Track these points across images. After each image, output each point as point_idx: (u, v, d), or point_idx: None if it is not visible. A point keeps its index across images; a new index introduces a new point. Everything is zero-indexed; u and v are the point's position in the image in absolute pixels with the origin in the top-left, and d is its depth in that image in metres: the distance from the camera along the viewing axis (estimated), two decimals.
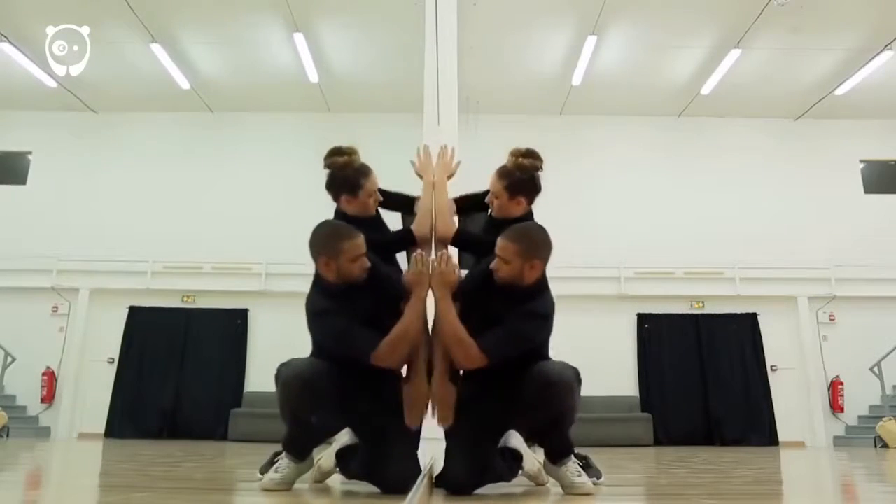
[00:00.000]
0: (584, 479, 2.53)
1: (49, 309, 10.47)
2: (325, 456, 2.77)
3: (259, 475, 2.79)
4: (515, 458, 2.76)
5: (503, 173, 2.85)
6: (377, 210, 2.98)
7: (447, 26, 6.29)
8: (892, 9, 8.49)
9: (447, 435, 2.60)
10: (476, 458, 2.52)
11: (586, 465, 2.85)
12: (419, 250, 2.69)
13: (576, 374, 2.47)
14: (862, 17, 8.76)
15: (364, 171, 2.86)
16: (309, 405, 2.41)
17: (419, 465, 2.49)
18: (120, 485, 2.97)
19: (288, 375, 2.39)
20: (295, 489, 2.56)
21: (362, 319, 2.46)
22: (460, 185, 3.23)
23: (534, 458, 2.84)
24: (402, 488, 2.28)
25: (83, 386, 10.20)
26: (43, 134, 11.19)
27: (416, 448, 2.57)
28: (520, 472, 2.78)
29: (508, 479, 2.73)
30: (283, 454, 2.55)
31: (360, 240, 2.49)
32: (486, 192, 2.95)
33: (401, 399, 2.58)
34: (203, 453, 5.68)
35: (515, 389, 2.53)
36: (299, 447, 2.55)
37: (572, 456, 2.59)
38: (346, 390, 2.50)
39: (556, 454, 2.59)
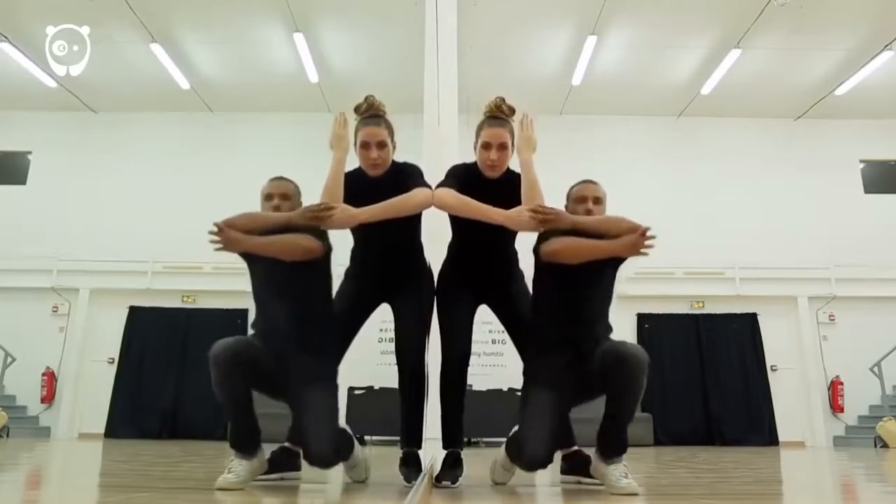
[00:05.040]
0: (629, 481, 2.52)
1: (49, 309, 10.47)
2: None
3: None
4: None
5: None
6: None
7: (447, 26, 6.28)
8: (892, 9, 8.49)
9: (524, 404, 2.66)
10: (552, 431, 2.58)
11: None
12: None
13: (646, 357, 2.57)
14: (862, 17, 8.76)
15: None
16: (243, 378, 2.50)
17: (343, 438, 2.60)
18: (120, 485, 2.97)
19: (217, 351, 2.48)
20: (299, 489, 2.55)
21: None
22: None
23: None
24: (324, 461, 2.47)
25: (83, 386, 10.19)
26: (43, 134, 11.18)
27: (336, 420, 2.63)
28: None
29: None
30: (233, 454, 2.58)
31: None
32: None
33: (324, 374, 2.67)
34: (203, 453, 5.68)
35: (587, 363, 2.61)
36: (246, 442, 2.59)
37: (623, 457, 2.59)
38: (275, 361, 2.60)
39: (610, 451, 2.59)
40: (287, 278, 2.67)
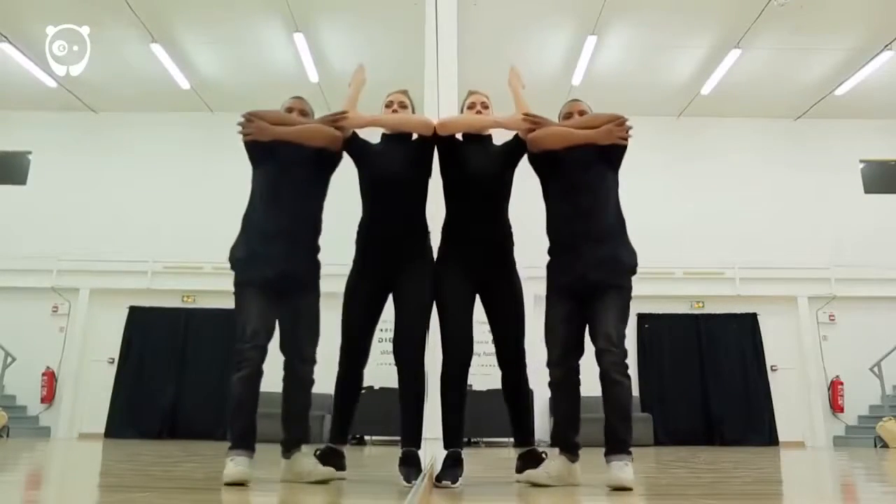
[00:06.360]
0: (619, 475, 2.61)
1: (49, 309, 10.47)
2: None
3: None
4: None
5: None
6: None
7: (447, 26, 6.30)
8: (892, 9, 8.50)
9: (547, 314, 2.91)
10: (568, 334, 2.82)
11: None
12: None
13: (622, 379, 2.71)
14: (862, 17, 8.77)
15: None
16: (259, 384, 2.74)
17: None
18: (120, 485, 2.97)
19: (251, 355, 2.67)
20: (299, 489, 2.56)
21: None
22: None
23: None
24: (308, 361, 2.82)
25: (83, 386, 10.20)
26: (43, 134, 11.18)
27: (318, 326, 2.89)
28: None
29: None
30: (235, 451, 2.64)
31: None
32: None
33: (311, 282, 2.92)
34: (203, 453, 5.68)
35: (594, 293, 2.82)
36: (250, 439, 2.71)
37: (625, 456, 2.67)
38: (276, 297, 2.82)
39: (607, 448, 2.72)
40: (293, 178, 2.93)
